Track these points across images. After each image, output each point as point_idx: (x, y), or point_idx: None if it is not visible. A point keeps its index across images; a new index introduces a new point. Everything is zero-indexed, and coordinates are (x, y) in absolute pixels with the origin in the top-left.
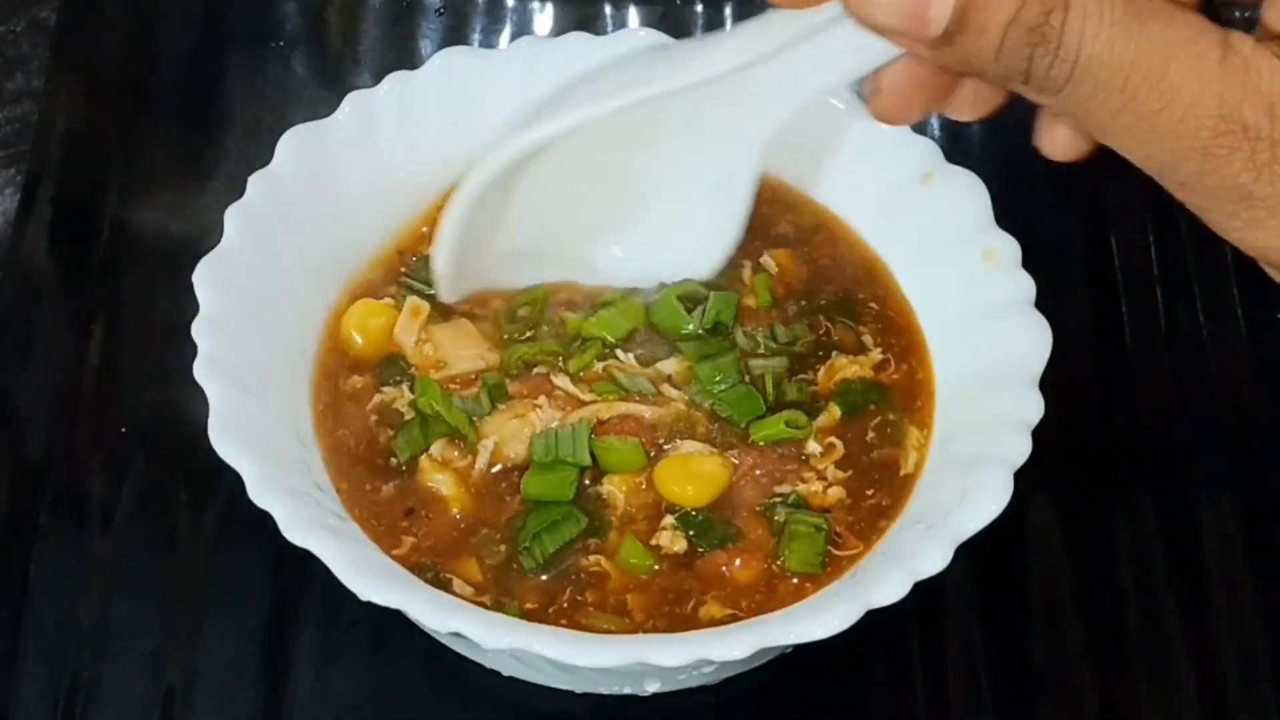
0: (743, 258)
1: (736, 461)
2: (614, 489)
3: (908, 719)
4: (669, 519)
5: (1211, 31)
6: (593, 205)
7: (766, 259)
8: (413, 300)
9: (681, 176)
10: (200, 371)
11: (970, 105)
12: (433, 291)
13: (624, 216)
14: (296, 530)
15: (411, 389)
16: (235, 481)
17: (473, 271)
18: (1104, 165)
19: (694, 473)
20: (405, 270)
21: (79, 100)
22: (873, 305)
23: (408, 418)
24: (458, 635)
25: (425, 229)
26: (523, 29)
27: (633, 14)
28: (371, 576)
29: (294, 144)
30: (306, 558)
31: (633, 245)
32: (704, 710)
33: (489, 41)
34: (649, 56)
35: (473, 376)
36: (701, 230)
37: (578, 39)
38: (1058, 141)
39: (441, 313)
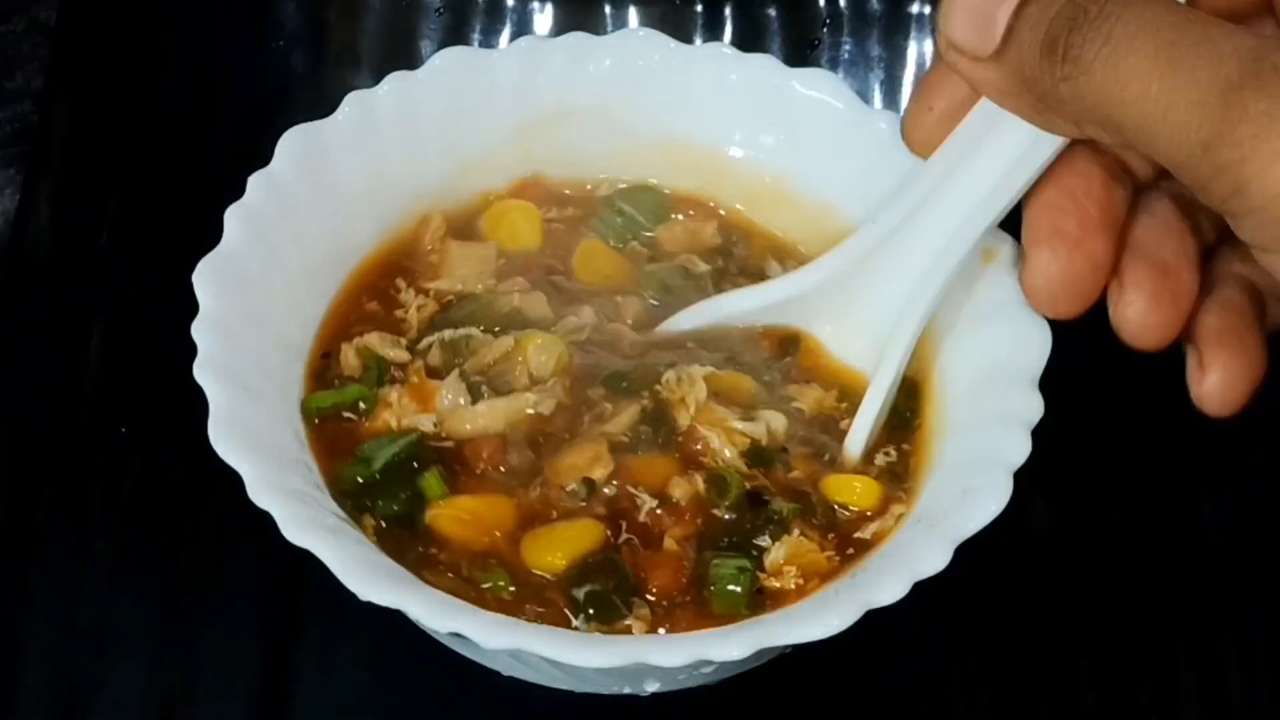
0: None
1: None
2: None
3: (908, 719)
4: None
5: None
6: None
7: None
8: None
9: None
10: (200, 371)
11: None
12: None
13: None
14: (296, 530)
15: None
16: (235, 481)
17: None
18: None
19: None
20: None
21: (79, 100)
22: None
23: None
24: (458, 635)
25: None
26: (523, 29)
27: (633, 14)
28: (371, 576)
29: (294, 144)
30: (306, 558)
31: None
32: (704, 710)
33: (489, 41)
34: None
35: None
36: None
37: (578, 39)
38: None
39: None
